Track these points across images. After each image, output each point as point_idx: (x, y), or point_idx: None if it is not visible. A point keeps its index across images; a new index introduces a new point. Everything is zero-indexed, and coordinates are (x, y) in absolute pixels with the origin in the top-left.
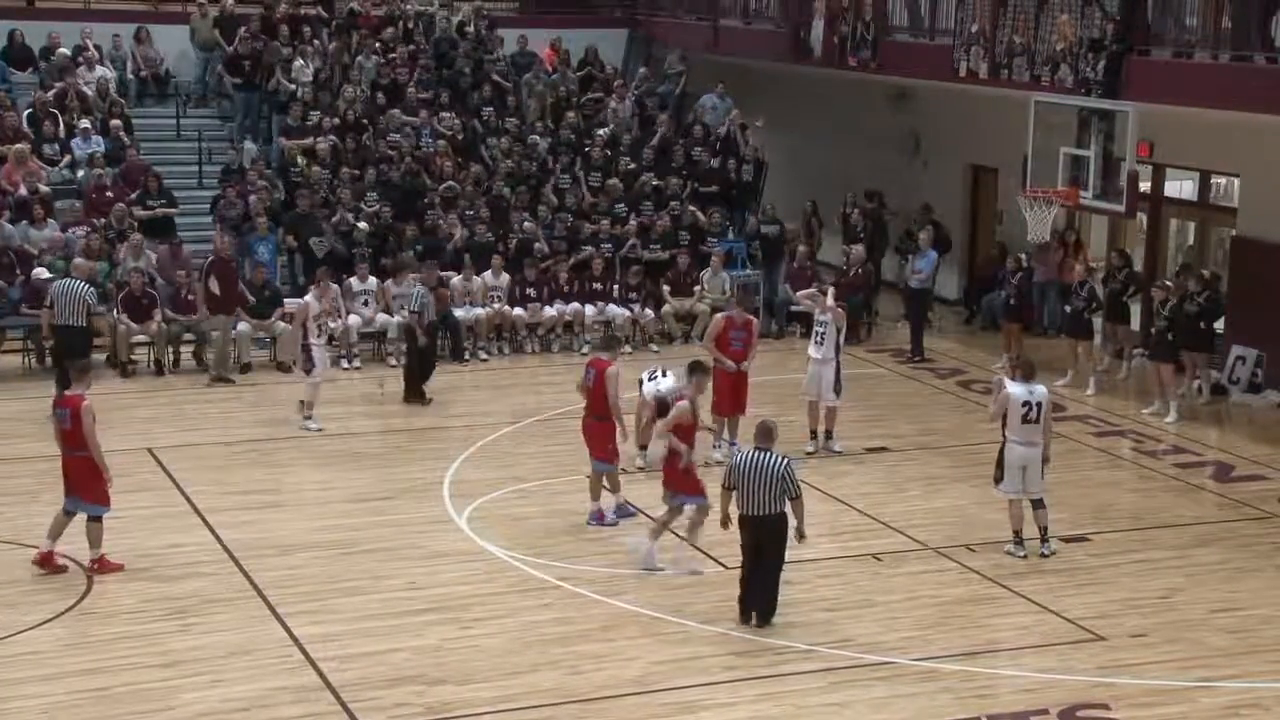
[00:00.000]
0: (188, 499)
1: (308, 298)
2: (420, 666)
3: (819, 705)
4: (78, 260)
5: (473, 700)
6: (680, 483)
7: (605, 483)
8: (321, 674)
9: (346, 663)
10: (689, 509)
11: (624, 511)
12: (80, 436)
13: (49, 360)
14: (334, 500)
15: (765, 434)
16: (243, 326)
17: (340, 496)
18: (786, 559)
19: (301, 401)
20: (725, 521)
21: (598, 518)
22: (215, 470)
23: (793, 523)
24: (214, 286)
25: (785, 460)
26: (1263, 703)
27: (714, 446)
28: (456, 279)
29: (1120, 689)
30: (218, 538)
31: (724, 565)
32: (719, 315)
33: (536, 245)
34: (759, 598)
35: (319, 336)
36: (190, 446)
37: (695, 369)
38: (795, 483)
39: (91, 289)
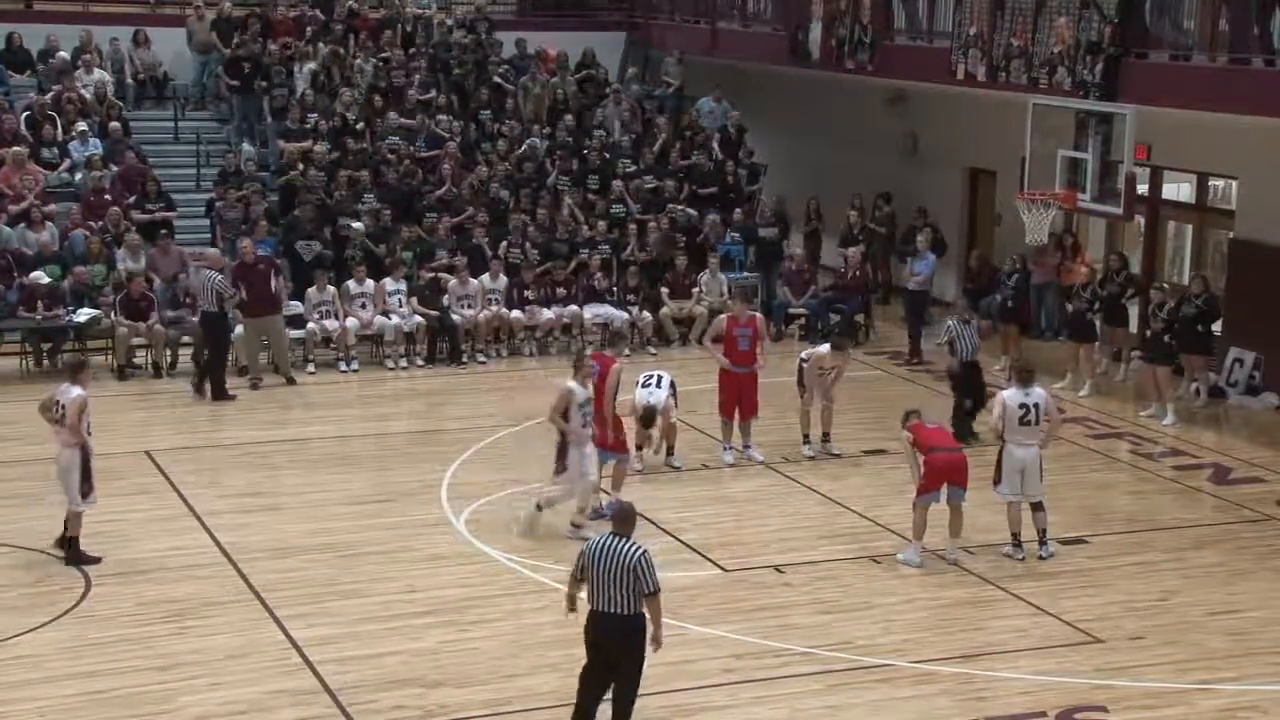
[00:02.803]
0: (185, 502)
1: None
2: (418, 669)
3: (816, 708)
4: (208, 251)
5: (470, 703)
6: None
7: (608, 481)
8: (319, 676)
9: (344, 665)
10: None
11: (599, 514)
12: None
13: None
14: (331, 503)
15: (624, 518)
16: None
17: (338, 499)
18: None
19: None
20: (570, 603)
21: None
22: (213, 473)
23: (650, 628)
24: (243, 291)
25: (641, 550)
26: (1261, 705)
27: (724, 449)
28: (453, 281)
29: (1118, 691)
30: (215, 540)
31: (722, 568)
32: (722, 316)
33: (530, 249)
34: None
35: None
36: (188, 449)
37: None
38: (652, 577)
39: (219, 277)
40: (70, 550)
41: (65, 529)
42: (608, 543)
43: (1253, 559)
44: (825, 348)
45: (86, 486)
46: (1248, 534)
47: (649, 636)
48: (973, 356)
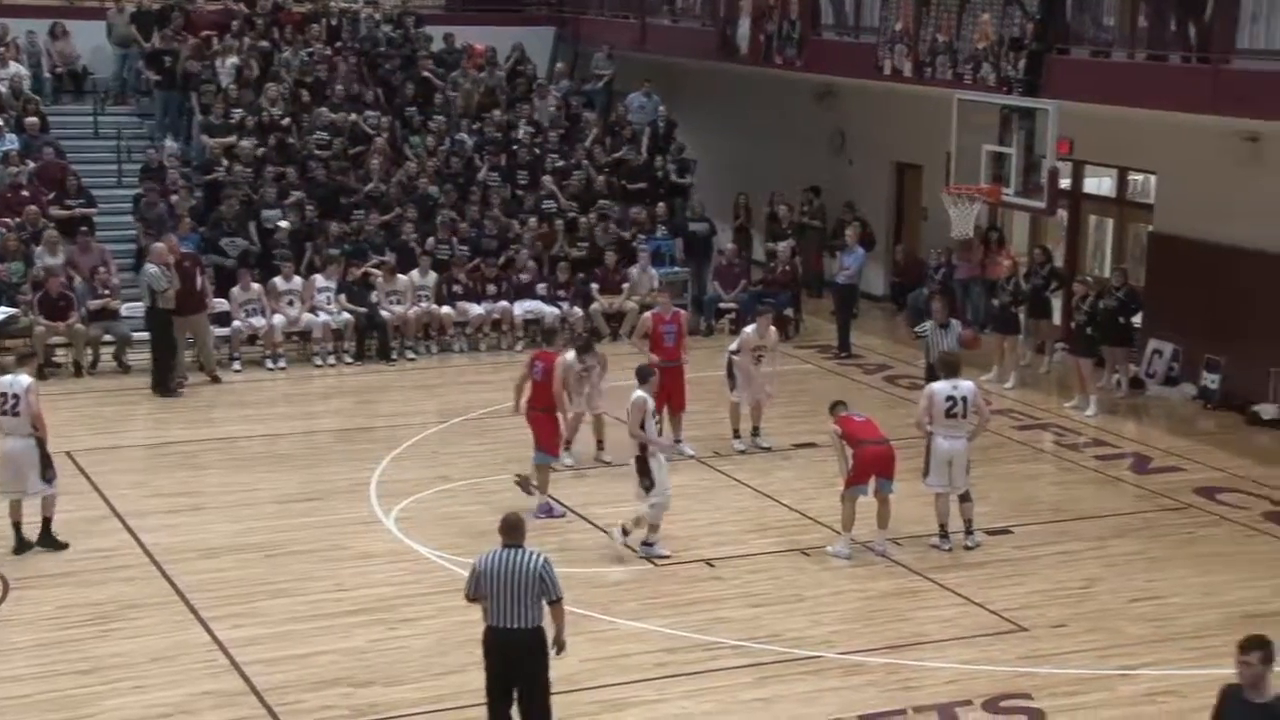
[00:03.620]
0: (108, 503)
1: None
2: (347, 668)
3: (747, 700)
4: (154, 245)
5: (400, 702)
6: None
7: (534, 478)
8: (246, 678)
9: (272, 666)
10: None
11: (546, 510)
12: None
13: None
14: (259, 502)
15: (512, 529)
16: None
17: (265, 498)
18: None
19: None
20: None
21: (546, 511)
22: (137, 473)
23: (552, 633)
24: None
25: (541, 557)
26: (1180, 690)
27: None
28: (381, 278)
29: (1042, 679)
30: (139, 542)
31: (653, 562)
32: (647, 313)
33: (459, 246)
34: None
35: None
36: (111, 449)
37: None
38: (555, 583)
39: (156, 271)
40: (43, 534)
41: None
42: (502, 556)
43: (1171, 546)
44: (750, 328)
45: (50, 472)
46: (1166, 522)
47: (551, 641)
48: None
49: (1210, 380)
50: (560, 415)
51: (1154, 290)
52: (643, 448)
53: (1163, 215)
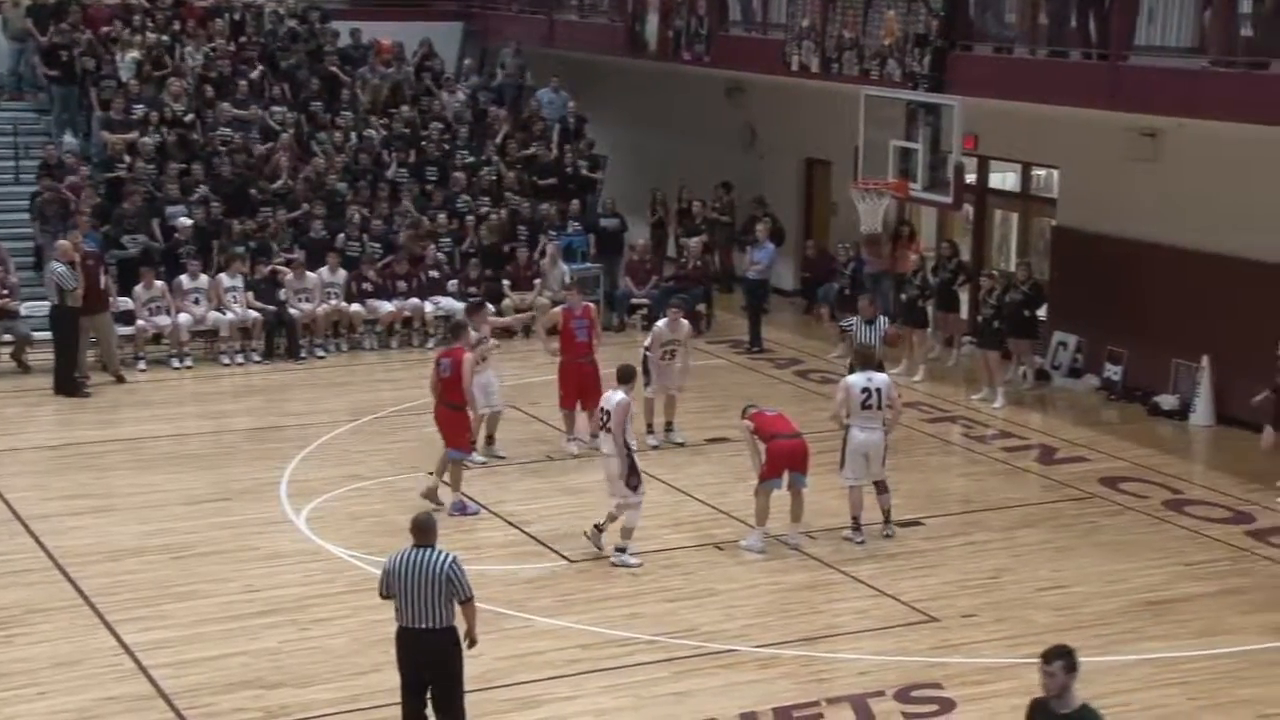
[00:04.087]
0: (8, 505)
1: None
2: (258, 670)
3: (662, 695)
4: (60, 242)
5: (313, 702)
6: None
7: (447, 476)
8: (154, 682)
9: (181, 669)
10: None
11: (460, 508)
12: None
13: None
14: (166, 503)
15: (422, 529)
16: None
17: (173, 499)
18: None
19: None
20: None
21: (460, 508)
22: (39, 475)
23: (462, 629)
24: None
25: (450, 557)
26: (1085, 676)
27: (568, 440)
28: (290, 275)
29: (952, 668)
30: (41, 545)
31: (567, 558)
32: (557, 308)
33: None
34: None
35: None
36: (11, 451)
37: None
38: (465, 582)
39: (61, 269)
40: None
41: None
42: (411, 556)
43: (1076, 535)
44: (662, 323)
45: None
46: (1071, 511)
47: (462, 636)
48: None
49: (1113, 372)
50: (470, 411)
51: (1058, 284)
52: (628, 447)
53: (1065, 210)
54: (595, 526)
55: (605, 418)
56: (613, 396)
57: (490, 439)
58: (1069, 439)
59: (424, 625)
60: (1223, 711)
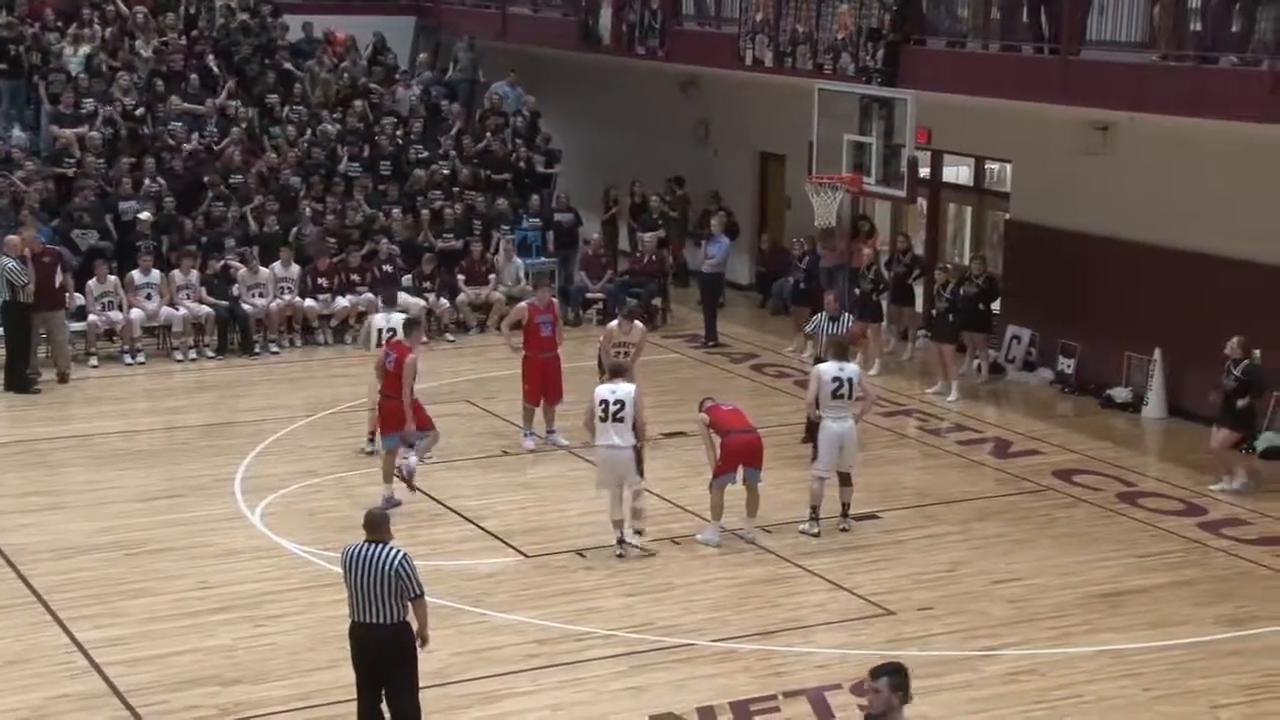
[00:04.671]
0: None
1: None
2: (213, 667)
3: (619, 689)
4: (9, 237)
5: (268, 699)
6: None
7: (384, 464)
8: (107, 679)
9: (134, 667)
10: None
11: (392, 504)
12: None
13: None
14: (119, 500)
15: (375, 525)
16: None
17: (125, 496)
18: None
19: None
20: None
21: (387, 500)
22: None
23: (415, 627)
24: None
25: (400, 554)
26: (1040, 669)
27: (526, 435)
28: (243, 270)
29: (908, 661)
30: None
31: (524, 554)
32: (523, 303)
33: (327, 238)
34: None
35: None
36: None
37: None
38: (415, 579)
39: (12, 264)
40: None
41: None
42: (362, 551)
43: (1031, 528)
44: (614, 323)
45: None
46: (1026, 504)
47: (415, 635)
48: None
49: (1066, 365)
50: (406, 413)
51: (1011, 277)
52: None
53: (1018, 203)
54: (622, 541)
55: (619, 408)
56: (621, 388)
57: (373, 436)
58: (1023, 432)
59: (374, 620)
60: (1176, 702)
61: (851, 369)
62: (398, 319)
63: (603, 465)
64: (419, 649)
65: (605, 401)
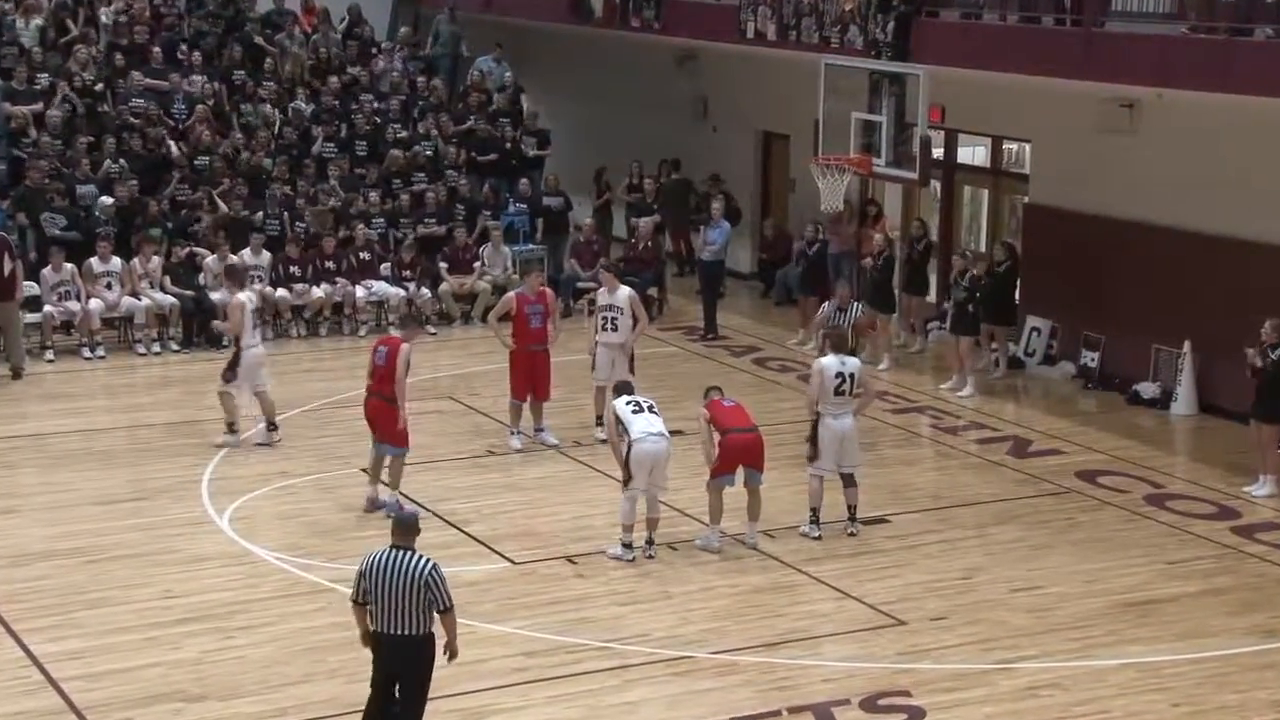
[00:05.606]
0: None
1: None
2: (178, 682)
3: (613, 705)
4: None
5: (237, 716)
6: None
7: (386, 474)
8: (64, 695)
9: (94, 681)
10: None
11: (375, 502)
12: None
13: None
14: (77, 504)
15: (405, 529)
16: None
17: (84, 499)
18: (430, 694)
19: None
20: (365, 639)
21: (375, 503)
22: None
23: (442, 640)
24: None
25: (430, 563)
26: (1062, 683)
27: (513, 434)
28: (211, 258)
29: (921, 674)
30: None
31: (512, 560)
32: (510, 293)
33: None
34: None
35: None
36: None
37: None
38: (444, 591)
39: None
40: None
41: None
42: (390, 557)
43: (1052, 533)
44: (602, 290)
45: None
46: (1047, 507)
47: (441, 648)
48: None
49: (1090, 359)
50: (400, 408)
51: (1031, 265)
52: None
53: (1038, 186)
54: (650, 542)
55: (651, 406)
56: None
57: (271, 425)
58: (1044, 430)
59: (400, 632)
60: (1206, 718)
61: (853, 363)
62: None
63: (644, 459)
64: (446, 662)
65: (650, 403)
